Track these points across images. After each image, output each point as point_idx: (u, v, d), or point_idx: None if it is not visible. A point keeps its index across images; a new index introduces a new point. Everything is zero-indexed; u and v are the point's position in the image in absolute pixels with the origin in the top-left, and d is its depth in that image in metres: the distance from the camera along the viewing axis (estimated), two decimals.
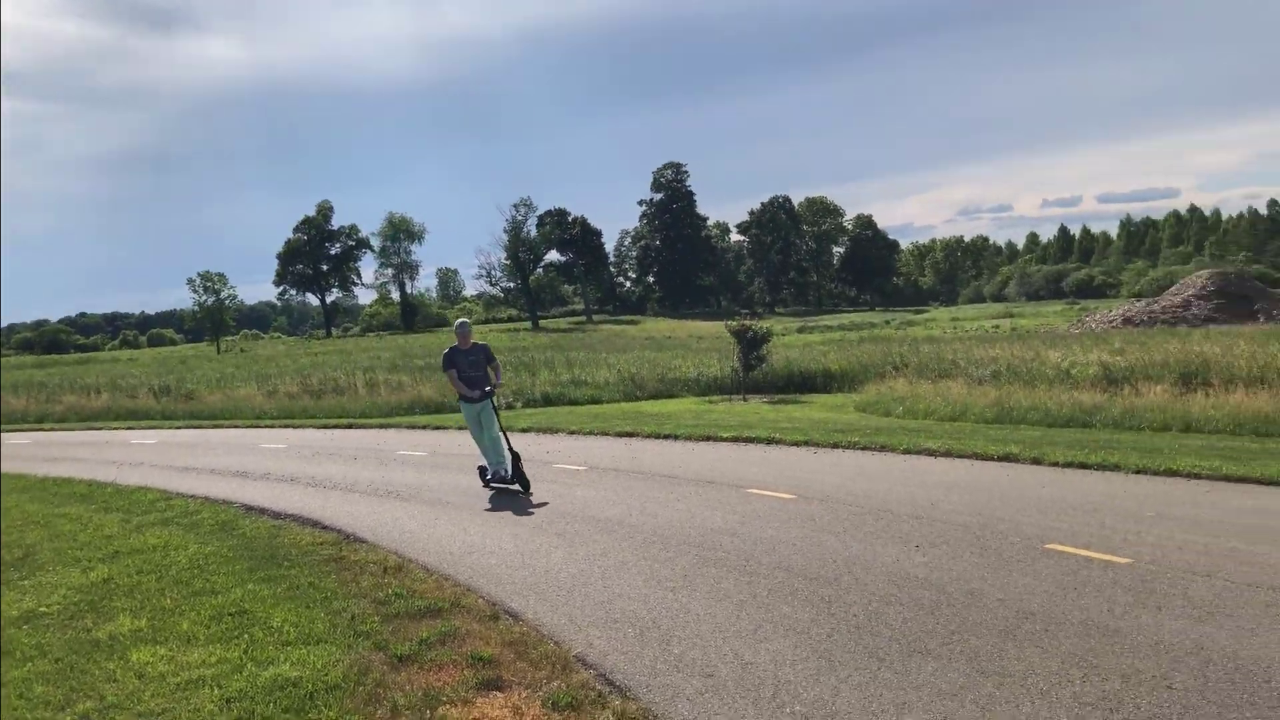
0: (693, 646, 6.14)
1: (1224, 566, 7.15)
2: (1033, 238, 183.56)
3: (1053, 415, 17.60)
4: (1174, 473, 10.96)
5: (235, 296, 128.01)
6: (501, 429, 12.38)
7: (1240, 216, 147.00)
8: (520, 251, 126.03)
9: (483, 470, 12.68)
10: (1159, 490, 10.23)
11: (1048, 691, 5.08)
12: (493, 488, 12.37)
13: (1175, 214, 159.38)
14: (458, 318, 12.80)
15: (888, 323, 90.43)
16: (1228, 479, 10.51)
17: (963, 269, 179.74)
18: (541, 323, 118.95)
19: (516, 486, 12.06)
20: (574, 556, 8.73)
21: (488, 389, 12.35)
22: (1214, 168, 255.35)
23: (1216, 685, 5.04)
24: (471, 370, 12.38)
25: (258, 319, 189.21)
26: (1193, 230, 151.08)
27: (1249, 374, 17.15)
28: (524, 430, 20.11)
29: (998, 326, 70.10)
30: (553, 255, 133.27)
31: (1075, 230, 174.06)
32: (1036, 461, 12.34)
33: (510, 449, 12.14)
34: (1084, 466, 11.79)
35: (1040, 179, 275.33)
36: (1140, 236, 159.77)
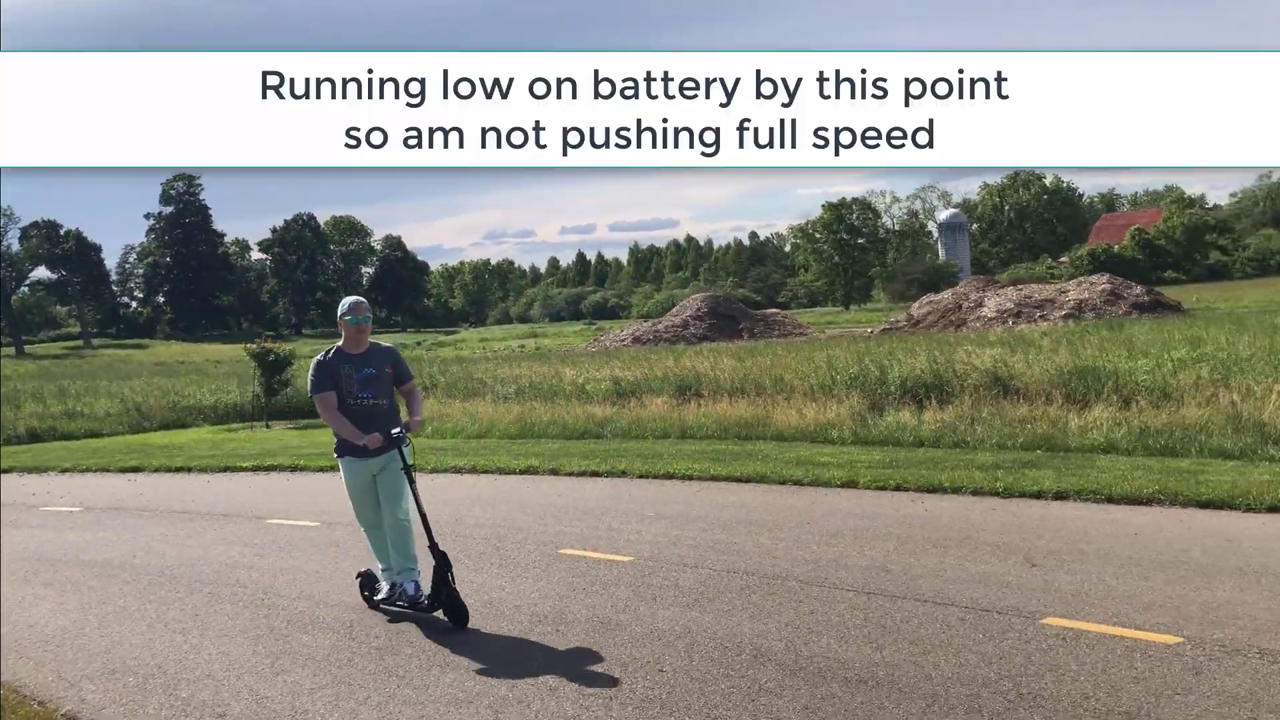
0: (203, 688, 5.79)
1: (708, 558, 8.05)
2: (554, 262, 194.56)
3: (570, 429, 18.72)
4: (671, 475, 12.16)
5: None
6: (418, 505, 6.66)
7: (729, 246, 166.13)
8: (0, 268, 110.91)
9: (367, 580, 7.23)
10: (658, 492, 11.29)
11: (556, 688, 5.42)
12: (388, 611, 7.04)
13: (675, 243, 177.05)
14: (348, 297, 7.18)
15: (419, 344, 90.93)
16: (715, 478, 11.84)
17: (491, 291, 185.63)
18: (28, 348, 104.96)
19: (440, 614, 6.65)
20: (65, 607, 7.87)
21: (396, 431, 6.65)
22: (706, 202, 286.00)
23: (700, 663, 5.67)
24: (365, 393, 6.74)
25: None
26: (690, 257, 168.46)
27: (731, 386, 19.39)
28: (6, 470, 17.78)
29: (524, 346, 73.19)
30: (41, 272, 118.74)
31: (591, 256, 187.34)
32: (554, 472, 13.10)
33: (432, 544, 6.51)
34: (596, 474, 12.72)
35: (559, 207, 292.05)
36: (647, 262, 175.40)
